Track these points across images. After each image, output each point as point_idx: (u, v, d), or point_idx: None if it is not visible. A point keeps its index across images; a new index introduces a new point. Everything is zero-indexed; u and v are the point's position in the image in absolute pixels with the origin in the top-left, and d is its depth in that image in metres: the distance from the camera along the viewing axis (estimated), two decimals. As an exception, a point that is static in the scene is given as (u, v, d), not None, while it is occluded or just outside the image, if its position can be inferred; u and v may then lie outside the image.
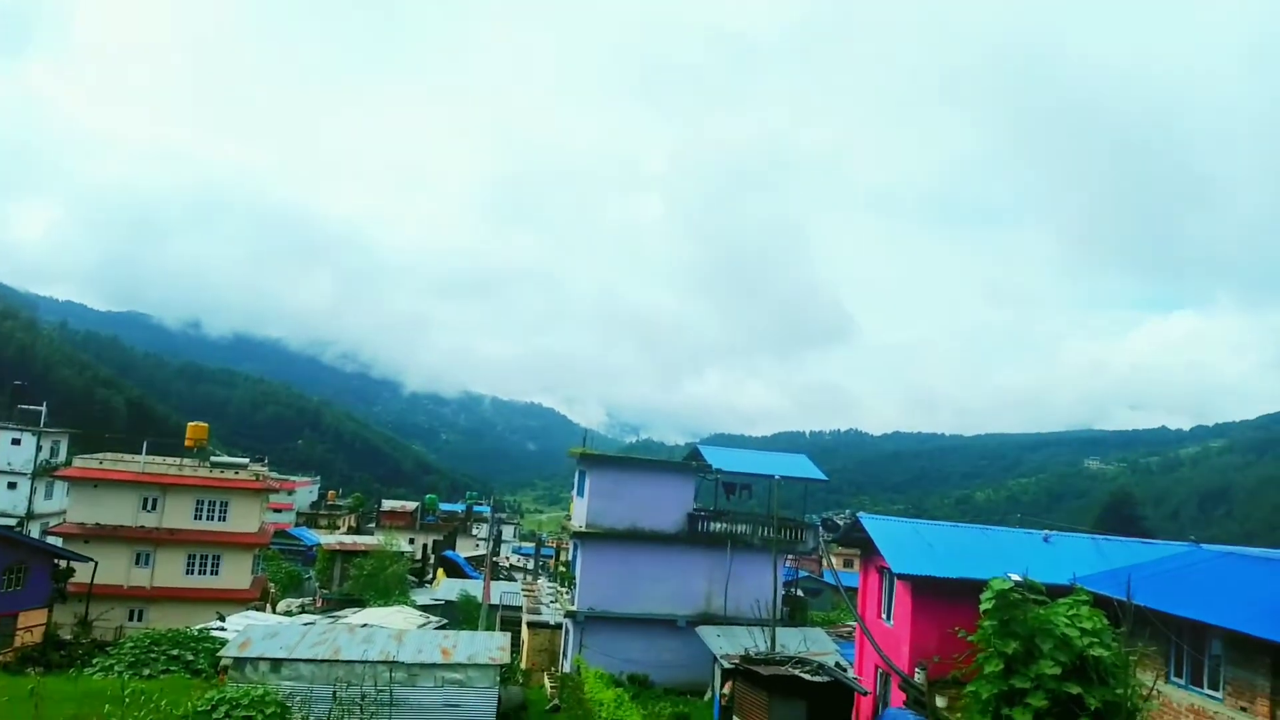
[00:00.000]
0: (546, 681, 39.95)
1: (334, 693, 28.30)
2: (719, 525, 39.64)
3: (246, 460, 59.56)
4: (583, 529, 38.57)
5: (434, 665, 31.75)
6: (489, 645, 34.39)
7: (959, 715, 17.10)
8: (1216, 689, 18.36)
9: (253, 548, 55.35)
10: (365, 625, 39.82)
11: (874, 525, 24.93)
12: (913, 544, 23.58)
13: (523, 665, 43.19)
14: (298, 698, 28.07)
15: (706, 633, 35.84)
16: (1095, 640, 12.68)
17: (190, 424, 61.85)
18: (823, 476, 41.08)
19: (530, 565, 77.44)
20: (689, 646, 36.92)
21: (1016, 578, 22.56)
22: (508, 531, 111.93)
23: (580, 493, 40.29)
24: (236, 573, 54.05)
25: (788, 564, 45.27)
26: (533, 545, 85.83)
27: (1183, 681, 19.54)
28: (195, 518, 53.52)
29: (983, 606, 13.12)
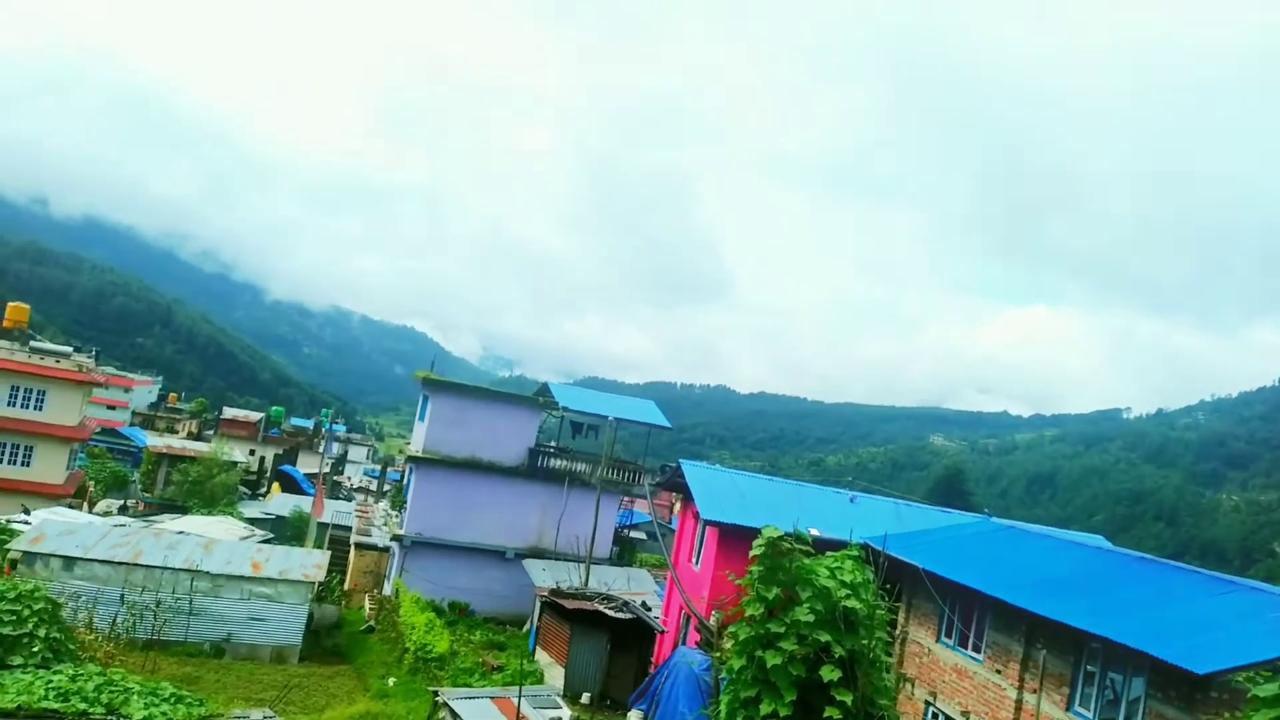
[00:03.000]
0: (367, 603, 39.54)
1: (122, 595, 27.15)
2: (559, 462, 39.73)
3: (70, 349, 55.80)
4: (419, 454, 37.95)
5: (241, 577, 30.88)
6: (304, 562, 33.65)
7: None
8: (979, 651, 19.66)
9: (70, 442, 52.26)
10: (181, 533, 38.24)
11: (692, 472, 25.41)
12: (726, 493, 24.17)
13: (347, 586, 42.53)
14: (83, 598, 26.79)
15: (532, 565, 36.09)
16: (851, 593, 13.16)
17: (10, 304, 57.25)
18: (666, 423, 41.55)
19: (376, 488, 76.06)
20: (516, 578, 37.07)
21: (816, 531, 23.51)
22: (360, 453, 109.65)
23: (421, 417, 39.58)
24: (49, 466, 50.99)
25: (624, 506, 45.89)
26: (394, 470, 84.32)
27: (951, 642, 20.83)
28: (9, 404, 49.99)
29: (752, 553, 13.43)
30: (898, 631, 22.38)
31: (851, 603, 13.21)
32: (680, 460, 26.46)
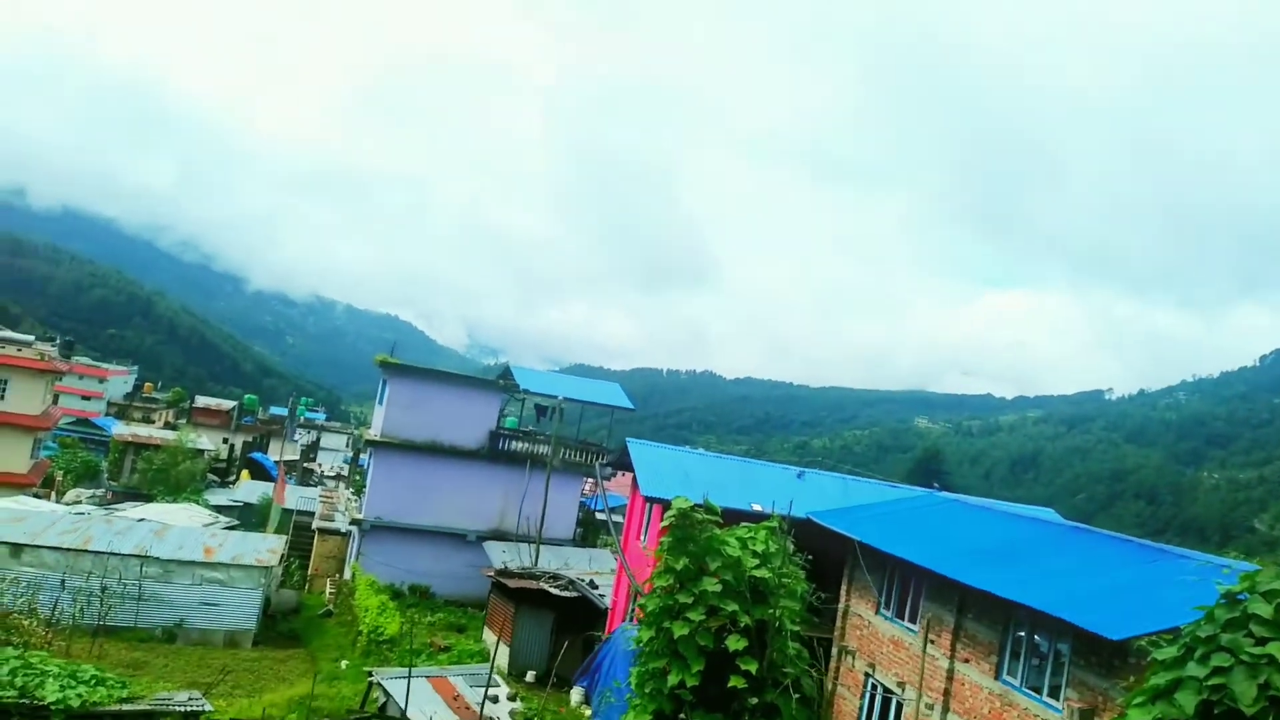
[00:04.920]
0: (328, 587, 39.33)
1: (62, 581, 26.83)
2: (520, 444, 39.53)
3: (31, 338, 55.16)
4: (378, 438, 37.68)
5: (192, 563, 30.64)
6: (258, 547, 33.42)
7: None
8: (915, 623, 19.58)
9: (34, 431, 51.64)
10: (142, 520, 37.90)
11: (637, 450, 25.25)
12: (671, 470, 24.04)
13: (310, 571, 42.33)
14: (27, 585, 26.48)
15: (492, 548, 35.94)
16: (762, 563, 13.03)
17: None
18: (629, 405, 41.39)
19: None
20: (478, 561, 36.88)
21: (758, 506, 23.39)
22: (339, 440, 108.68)
23: (381, 401, 39.30)
24: (11, 456, 50.36)
25: (591, 491, 45.70)
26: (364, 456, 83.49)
27: (890, 614, 20.76)
28: (-33, 394, 49.39)
29: (662, 524, 13.26)
30: (840, 604, 22.31)
31: (761, 572, 13.10)
32: (627, 439, 26.31)
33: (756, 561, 13.10)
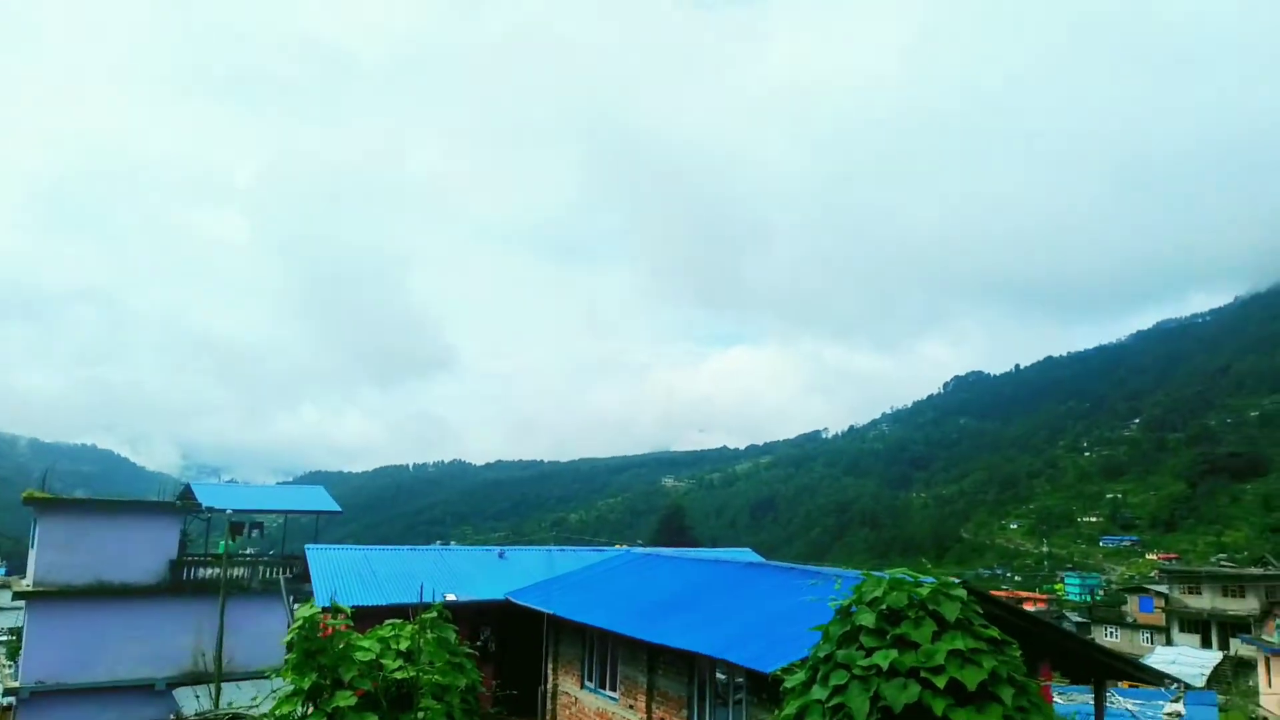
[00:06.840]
0: (-19, 779, 32.92)
1: None
2: (210, 571, 35.55)
3: None
4: (29, 588, 32.38)
5: None
6: None
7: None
8: (615, 690, 19.14)
9: None
10: None
11: (315, 555, 23.33)
12: (354, 573, 22.34)
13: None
14: None
15: (184, 694, 31.73)
16: (405, 663, 11.89)
17: None
18: (336, 508, 38.70)
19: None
20: (173, 711, 32.43)
21: (452, 596, 22.25)
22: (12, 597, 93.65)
23: (32, 544, 33.96)
24: None
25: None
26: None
27: (594, 685, 20.22)
28: None
29: (286, 638, 11.79)
30: (548, 685, 21.50)
31: (403, 674, 11.98)
32: (306, 546, 24.24)
33: (400, 662, 11.95)
